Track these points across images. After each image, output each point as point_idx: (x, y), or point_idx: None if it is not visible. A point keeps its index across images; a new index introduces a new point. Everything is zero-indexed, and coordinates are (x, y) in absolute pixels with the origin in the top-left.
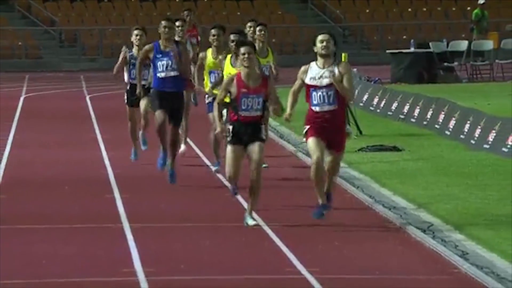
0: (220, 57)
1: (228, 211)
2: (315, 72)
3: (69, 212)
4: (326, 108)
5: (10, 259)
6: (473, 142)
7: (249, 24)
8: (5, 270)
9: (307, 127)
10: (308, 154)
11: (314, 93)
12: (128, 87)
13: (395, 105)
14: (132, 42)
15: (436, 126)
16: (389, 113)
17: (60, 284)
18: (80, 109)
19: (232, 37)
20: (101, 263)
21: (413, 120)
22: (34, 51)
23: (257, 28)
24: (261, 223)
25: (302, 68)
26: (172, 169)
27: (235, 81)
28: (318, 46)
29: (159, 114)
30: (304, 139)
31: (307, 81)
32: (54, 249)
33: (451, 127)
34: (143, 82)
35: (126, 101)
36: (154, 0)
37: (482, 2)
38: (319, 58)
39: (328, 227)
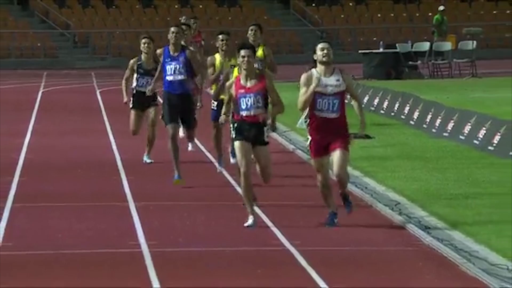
0: (227, 61)
1: (221, 191)
2: (320, 81)
3: (82, 192)
4: (330, 115)
5: (31, 233)
6: (434, 130)
7: (251, 28)
8: (26, 243)
9: (310, 138)
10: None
11: (319, 99)
12: (134, 92)
13: (366, 98)
14: (141, 50)
15: (402, 116)
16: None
17: (74, 255)
18: (91, 102)
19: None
20: (109, 236)
21: (382, 111)
22: (51, 51)
23: (249, 28)
24: None
25: (305, 75)
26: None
27: (234, 83)
28: (319, 54)
29: (170, 128)
30: (309, 150)
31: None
32: (68, 224)
33: (415, 117)
34: (143, 89)
35: (131, 105)
36: (156, 6)
37: (442, 8)
38: (319, 65)
39: (308, 206)
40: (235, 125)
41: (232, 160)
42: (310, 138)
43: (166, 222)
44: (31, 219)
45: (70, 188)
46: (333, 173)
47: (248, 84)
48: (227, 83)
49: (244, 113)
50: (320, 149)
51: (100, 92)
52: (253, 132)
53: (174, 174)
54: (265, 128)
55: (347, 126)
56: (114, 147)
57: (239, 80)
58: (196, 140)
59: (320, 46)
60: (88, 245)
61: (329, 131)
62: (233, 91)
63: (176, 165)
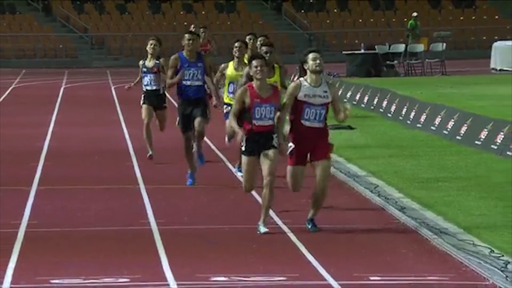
0: (240, 69)
1: (221, 176)
2: (308, 90)
3: (98, 176)
4: (316, 125)
5: (53, 212)
6: (409, 122)
7: (248, 37)
8: (50, 221)
9: (292, 146)
10: None
11: (307, 109)
12: (143, 92)
13: (349, 93)
14: (146, 51)
15: (381, 110)
16: (344, 100)
17: (91, 232)
18: (106, 97)
19: (264, 49)
20: (122, 215)
21: (363, 105)
22: (71, 52)
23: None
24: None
25: (293, 85)
26: (199, 151)
27: (248, 91)
28: (311, 64)
29: (186, 137)
30: (288, 156)
31: (301, 97)
32: (86, 204)
33: (392, 110)
34: (149, 88)
35: (142, 102)
36: (164, 13)
37: (415, 15)
38: (310, 74)
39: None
40: (246, 136)
41: (239, 173)
42: (292, 145)
43: (173, 203)
44: (53, 199)
45: (88, 173)
46: (316, 185)
47: (263, 94)
48: (239, 91)
49: (256, 123)
50: (300, 157)
51: (114, 88)
52: (262, 140)
53: (188, 180)
54: (274, 136)
55: (329, 135)
56: (127, 136)
57: (253, 88)
58: (208, 140)
59: (312, 56)
60: (103, 223)
61: (312, 140)
62: (248, 99)
63: (191, 168)
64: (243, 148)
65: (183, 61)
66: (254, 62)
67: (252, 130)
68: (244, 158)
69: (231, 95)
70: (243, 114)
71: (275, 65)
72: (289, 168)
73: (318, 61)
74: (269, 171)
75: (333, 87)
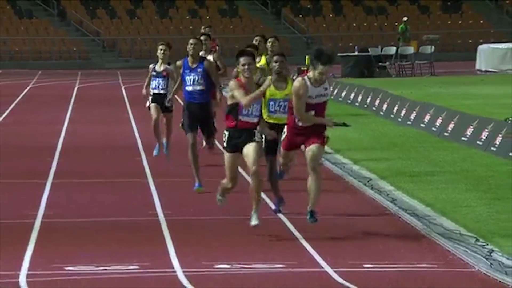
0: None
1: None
2: (312, 91)
3: (109, 170)
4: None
5: (68, 204)
6: (400, 120)
7: (256, 38)
8: (64, 212)
9: (285, 135)
10: None
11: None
12: (151, 95)
13: (344, 93)
14: (157, 56)
15: (373, 108)
16: (339, 99)
17: (103, 222)
18: (117, 96)
19: (275, 58)
20: (132, 207)
21: (357, 104)
22: (84, 54)
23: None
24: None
25: (299, 85)
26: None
27: (241, 88)
28: (321, 69)
29: (190, 136)
30: (281, 145)
31: (306, 99)
32: (98, 197)
33: (384, 109)
34: (156, 91)
35: (149, 102)
36: (171, 17)
37: (405, 19)
38: (316, 75)
39: (293, 183)
40: (228, 132)
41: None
42: (285, 133)
43: (179, 195)
44: (68, 192)
45: (100, 167)
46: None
47: (252, 91)
48: (237, 87)
49: (242, 119)
50: (292, 145)
51: (124, 88)
52: (244, 136)
53: (195, 183)
54: (256, 131)
55: (325, 129)
56: (136, 133)
57: (244, 85)
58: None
59: (321, 65)
60: (114, 214)
61: (307, 134)
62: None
63: (197, 174)
64: (224, 144)
65: (185, 67)
66: (241, 60)
67: (235, 127)
68: (226, 155)
69: None
70: (230, 110)
71: (288, 77)
72: (282, 151)
73: (326, 69)
74: (253, 162)
75: (331, 80)
